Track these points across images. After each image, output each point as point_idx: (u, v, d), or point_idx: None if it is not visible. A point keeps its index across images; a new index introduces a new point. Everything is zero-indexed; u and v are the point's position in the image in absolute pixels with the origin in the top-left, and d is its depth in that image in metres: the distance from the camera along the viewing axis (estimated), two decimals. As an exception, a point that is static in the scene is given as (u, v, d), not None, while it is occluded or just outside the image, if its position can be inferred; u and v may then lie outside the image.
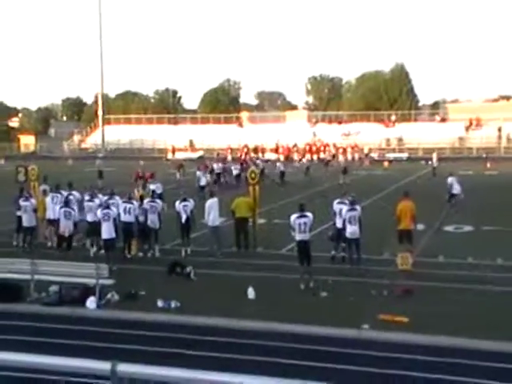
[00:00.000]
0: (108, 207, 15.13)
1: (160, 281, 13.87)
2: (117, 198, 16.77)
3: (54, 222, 16.63)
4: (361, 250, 14.25)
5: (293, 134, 60.54)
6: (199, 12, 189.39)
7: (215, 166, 33.36)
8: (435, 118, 66.10)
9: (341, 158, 50.53)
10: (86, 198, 16.89)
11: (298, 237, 13.30)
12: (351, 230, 14.20)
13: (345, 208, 14.47)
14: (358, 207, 14.55)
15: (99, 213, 14.98)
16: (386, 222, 17.49)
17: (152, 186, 21.36)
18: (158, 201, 16.83)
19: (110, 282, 12.42)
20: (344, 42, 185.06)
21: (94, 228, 15.79)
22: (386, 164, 47.95)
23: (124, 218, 15.84)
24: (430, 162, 37.40)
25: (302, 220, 13.26)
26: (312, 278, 13.20)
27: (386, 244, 16.32)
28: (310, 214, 13.44)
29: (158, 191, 20.50)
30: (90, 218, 16.22)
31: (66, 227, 15.70)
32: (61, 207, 15.99)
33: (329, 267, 14.72)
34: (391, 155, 56.27)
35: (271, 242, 17.38)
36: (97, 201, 16.53)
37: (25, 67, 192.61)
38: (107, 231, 14.67)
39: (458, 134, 58.71)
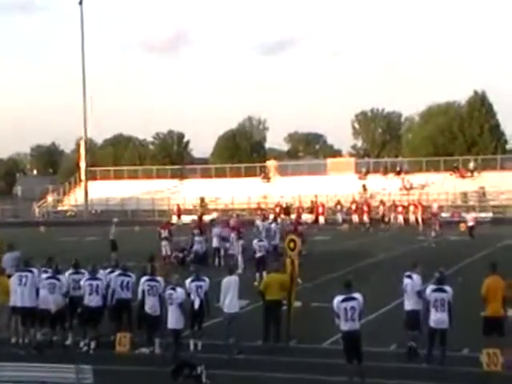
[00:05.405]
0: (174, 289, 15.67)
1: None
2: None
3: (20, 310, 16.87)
4: (447, 345, 14.45)
5: (336, 188, 60.84)
6: (210, 27, 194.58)
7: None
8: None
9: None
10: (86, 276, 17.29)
11: (345, 326, 13.30)
12: (437, 318, 14.50)
13: (429, 288, 14.83)
14: (448, 288, 14.79)
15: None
16: (465, 304, 17.31)
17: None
18: (160, 279, 16.92)
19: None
20: (402, 65, 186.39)
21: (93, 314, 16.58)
22: (462, 227, 47.57)
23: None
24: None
25: (349, 304, 13.32)
26: (364, 380, 13.07)
27: (467, 335, 16.13)
28: (359, 296, 13.53)
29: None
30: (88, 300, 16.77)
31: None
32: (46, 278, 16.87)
33: (387, 366, 14.61)
34: (470, 215, 55.65)
35: (309, 333, 17.30)
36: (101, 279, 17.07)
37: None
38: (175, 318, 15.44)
39: None
